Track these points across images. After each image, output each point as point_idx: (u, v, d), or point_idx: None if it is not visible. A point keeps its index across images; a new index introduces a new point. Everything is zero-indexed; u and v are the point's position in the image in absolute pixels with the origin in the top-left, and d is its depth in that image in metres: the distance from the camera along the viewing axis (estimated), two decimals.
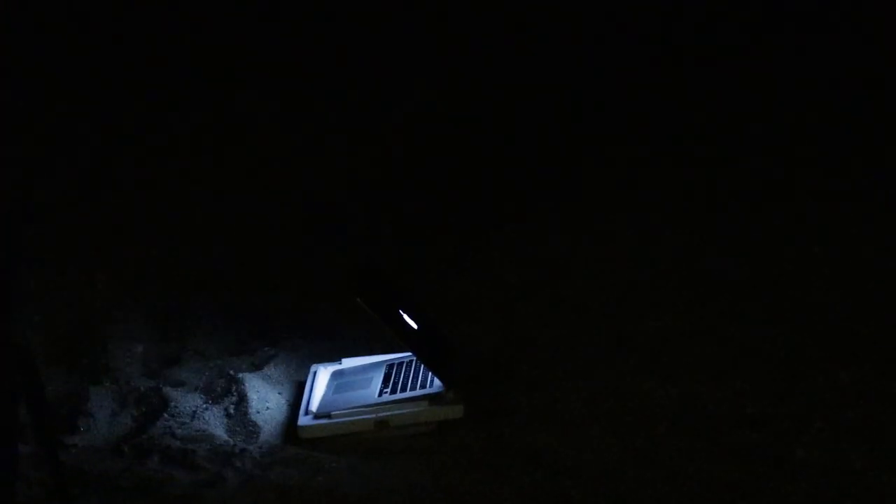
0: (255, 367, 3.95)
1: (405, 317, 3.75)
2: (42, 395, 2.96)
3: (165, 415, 3.70)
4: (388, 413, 3.62)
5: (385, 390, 3.71)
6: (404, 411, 3.62)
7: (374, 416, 3.62)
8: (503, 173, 4.95)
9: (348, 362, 3.91)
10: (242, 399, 3.77)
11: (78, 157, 4.81)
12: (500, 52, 5.36)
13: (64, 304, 4.27)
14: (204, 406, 3.75)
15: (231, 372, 3.91)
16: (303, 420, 3.65)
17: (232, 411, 3.74)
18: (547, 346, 3.98)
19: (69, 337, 4.11)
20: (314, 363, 3.93)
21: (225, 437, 3.62)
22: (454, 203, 4.86)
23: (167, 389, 3.82)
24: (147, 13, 5.26)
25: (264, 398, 3.80)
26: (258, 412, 3.73)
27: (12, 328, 2.91)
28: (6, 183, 4.66)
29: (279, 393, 3.85)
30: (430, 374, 3.70)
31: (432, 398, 3.64)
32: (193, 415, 3.70)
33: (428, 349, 3.73)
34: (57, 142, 4.88)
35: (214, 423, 3.68)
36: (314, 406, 3.69)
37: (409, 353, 3.81)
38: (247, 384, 3.83)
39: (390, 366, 3.83)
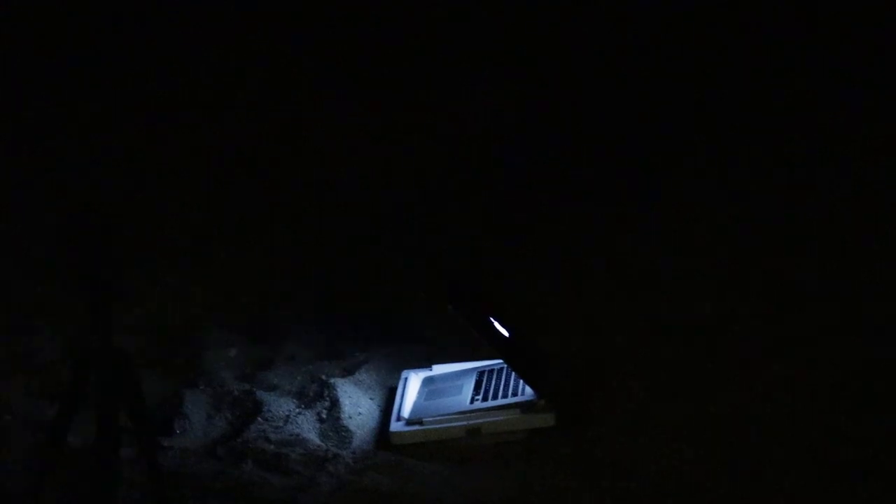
0: (347, 373, 3.98)
1: (496, 324, 3.77)
2: (142, 398, 3.01)
3: (259, 419, 3.74)
4: (480, 420, 3.63)
5: (476, 397, 3.73)
6: (496, 419, 3.63)
7: (465, 423, 3.64)
8: (583, 179, 4.90)
9: (439, 369, 3.94)
10: (334, 404, 3.81)
11: (172, 165, 4.85)
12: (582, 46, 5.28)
13: (159, 309, 4.34)
14: (297, 410, 3.79)
15: (323, 377, 3.95)
16: (395, 426, 3.67)
17: (324, 416, 3.77)
18: (636, 354, 3.98)
19: (165, 340, 4.17)
20: (405, 369, 3.96)
21: (318, 441, 3.65)
22: (532, 209, 4.84)
23: (260, 393, 3.86)
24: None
25: (356, 403, 3.83)
26: (350, 417, 3.76)
27: (112, 332, 2.96)
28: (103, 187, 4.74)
29: (371, 398, 3.88)
30: (521, 381, 3.72)
31: (524, 406, 3.65)
32: (287, 419, 3.74)
33: (519, 357, 3.74)
34: (151, 149, 4.93)
35: (307, 427, 3.72)
36: (406, 412, 3.72)
37: (500, 361, 3.83)
38: (338, 389, 3.86)
39: (481, 373, 3.85)
